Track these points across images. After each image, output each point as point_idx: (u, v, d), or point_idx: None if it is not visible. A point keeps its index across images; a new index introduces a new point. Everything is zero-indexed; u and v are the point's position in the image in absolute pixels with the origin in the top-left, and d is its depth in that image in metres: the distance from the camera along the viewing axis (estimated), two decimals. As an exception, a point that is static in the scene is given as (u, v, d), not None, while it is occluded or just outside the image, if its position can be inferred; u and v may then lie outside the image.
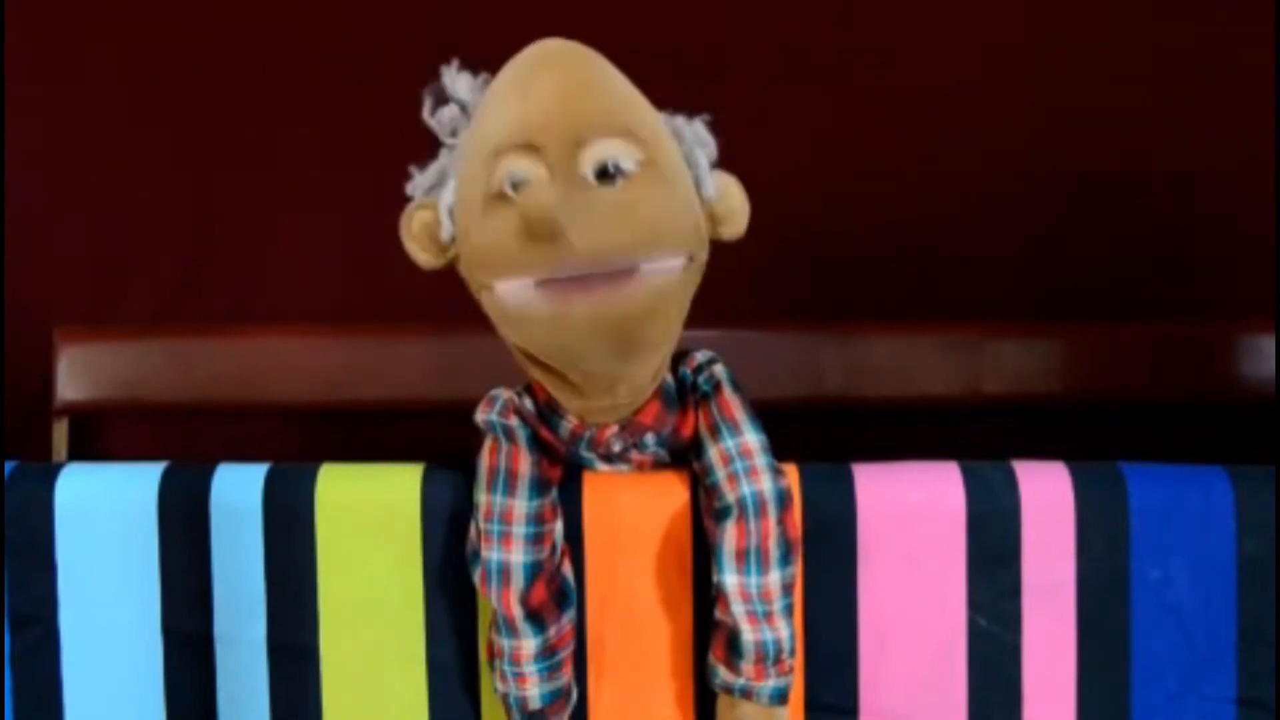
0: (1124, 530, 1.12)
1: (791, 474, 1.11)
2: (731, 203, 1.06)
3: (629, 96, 1.04)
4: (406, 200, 1.08)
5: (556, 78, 1.01)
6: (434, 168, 1.08)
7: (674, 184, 1.02)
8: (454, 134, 1.07)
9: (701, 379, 1.12)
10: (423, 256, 1.06)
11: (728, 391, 1.11)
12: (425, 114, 1.07)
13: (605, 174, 0.98)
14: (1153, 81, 1.77)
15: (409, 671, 1.14)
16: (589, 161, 0.98)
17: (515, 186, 0.98)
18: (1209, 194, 1.78)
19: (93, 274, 1.86)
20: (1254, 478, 1.13)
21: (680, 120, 1.07)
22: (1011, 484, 1.13)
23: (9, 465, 1.17)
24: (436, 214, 1.05)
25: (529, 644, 1.08)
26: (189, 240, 1.85)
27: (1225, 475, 1.13)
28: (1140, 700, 1.13)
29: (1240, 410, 1.75)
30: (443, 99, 1.07)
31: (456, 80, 1.07)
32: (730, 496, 1.06)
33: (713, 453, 1.08)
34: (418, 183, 1.08)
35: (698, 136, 1.06)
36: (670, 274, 1.01)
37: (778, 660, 1.08)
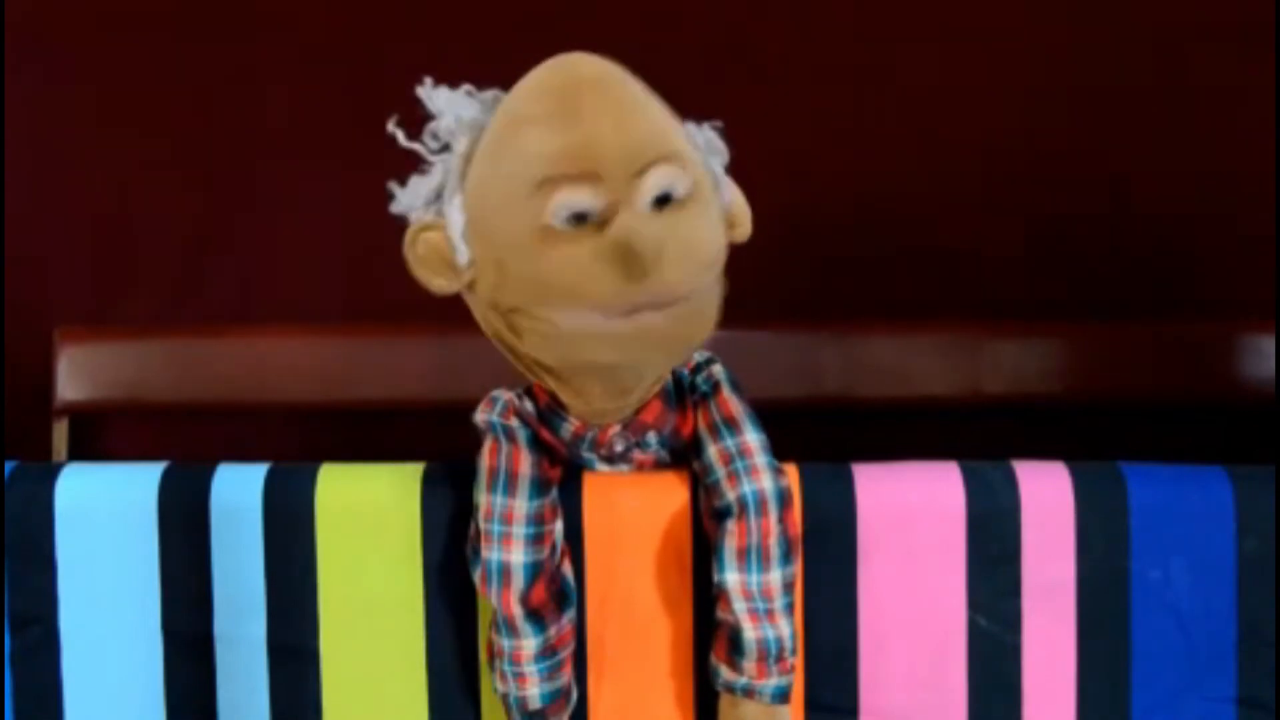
0: (1124, 530, 1.12)
1: (791, 474, 1.11)
2: (740, 207, 1.07)
3: (666, 116, 1.03)
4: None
5: (597, 103, 0.98)
6: (426, 182, 1.04)
7: (712, 203, 1.03)
8: (445, 147, 1.04)
9: (700, 379, 1.12)
10: (437, 282, 1.03)
11: (727, 391, 1.11)
12: (402, 139, 1.03)
13: (658, 201, 0.98)
14: (1153, 81, 1.77)
15: (409, 672, 1.14)
16: (649, 191, 0.97)
17: (574, 218, 0.97)
18: (1209, 194, 1.78)
19: (93, 274, 1.86)
20: (1254, 478, 1.13)
21: (693, 127, 1.06)
22: (1011, 484, 1.13)
23: (9, 465, 1.17)
24: (445, 235, 1.02)
25: (529, 644, 1.08)
26: (189, 240, 1.85)
27: (1225, 475, 1.13)
28: (1140, 700, 1.13)
29: (1240, 410, 1.75)
30: (426, 113, 1.04)
31: (439, 95, 1.04)
32: (730, 495, 1.06)
33: (712, 452, 1.08)
34: (405, 200, 1.04)
35: (711, 144, 1.06)
36: (713, 286, 1.04)
37: (779, 658, 1.08)
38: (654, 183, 0.97)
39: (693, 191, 1.00)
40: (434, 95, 1.04)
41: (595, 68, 1.01)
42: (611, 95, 0.99)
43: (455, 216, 1.02)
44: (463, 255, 1.01)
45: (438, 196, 1.03)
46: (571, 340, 1.00)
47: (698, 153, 1.04)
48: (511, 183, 0.99)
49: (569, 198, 0.96)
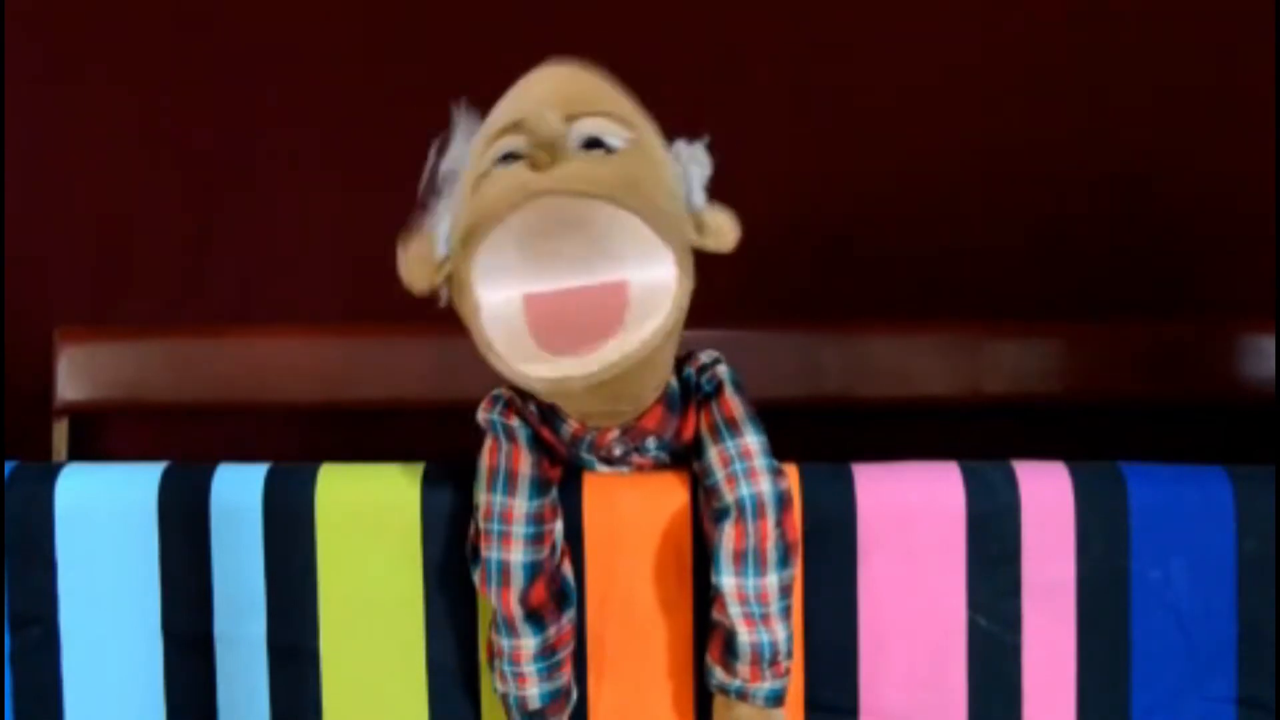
0: (1124, 530, 1.12)
1: (791, 474, 1.11)
2: (719, 219, 1.05)
3: (621, 97, 1.05)
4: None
5: (549, 75, 1.04)
6: (433, 215, 1.06)
7: (660, 167, 1.03)
8: (452, 180, 1.06)
9: (704, 379, 1.12)
10: (420, 283, 1.04)
11: (729, 392, 1.11)
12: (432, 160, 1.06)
13: (592, 146, 0.99)
14: (1153, 81, 1.77)
15: (409, 671, 1.14)
16: (577, 134, 0.99)
17: (504, 160, 0.99)
18: (1209, 194, 1.78)
19: (93, 274, 1.86)
20: (1254, 478, 1.13)
21: (681, 143, 1.07)
22: (1011, 484, 1.13)
23: (9, 465, 1.17)
24: (431, 241, 1.04)
25: (529, 644, 1.08)
26: (189, 240, 1.85)
27: (1225, 475, 1.13)
28: (1140, 700, 1.13)
29: (1240, 410, 1.75)
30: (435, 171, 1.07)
31: (458, 136, 1.07)
32: (729, 498, 1.06)
33: (713, 454, 1.08)
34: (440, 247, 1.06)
35: (694, 155, 1.06)
36: (656, 322, 0.98)
37: (774, 662, 1.08)
38: (584, 128, 0.99)
39: (633, 148, 1.00)
40: (460, 128, 1.07)
41: (562, 63, 1.05)
42: (565, 73, 1.04)
43: (444, 225, 1.04)
44: (442, 246, 1.03)
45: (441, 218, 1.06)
46: (496, 354, 0.99)
47: (661, 143, 1.05)
48: (473, 155, 1.03)
49: (500, 143, 1.00)
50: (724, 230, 1.05)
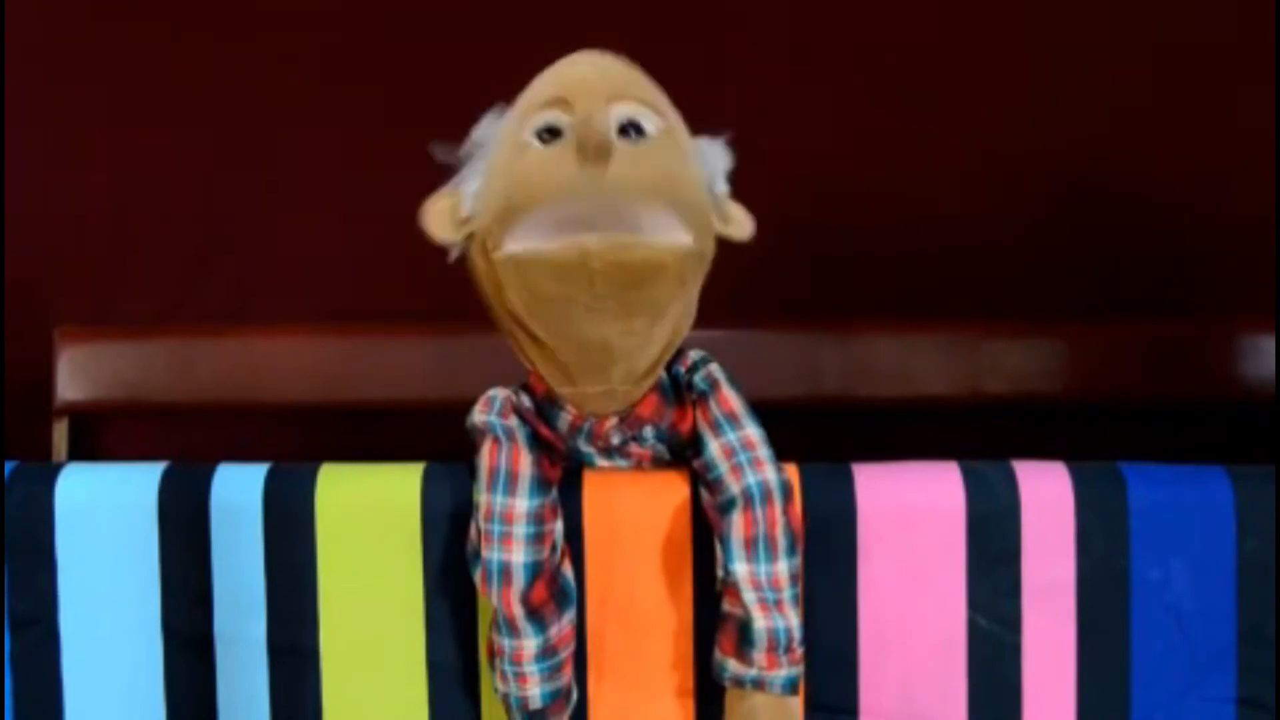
0: (1124, 530, 1.12)
1: (791, 474, 1.11)
2: (739, 211, 1.11)
3: (655, 88, 1.10)
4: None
5: (588, 59, 1.09)
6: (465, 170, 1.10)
7: (688, 156, 1.08)
8: (481, 146, 1.09)
9: (698, 378, 1.13)
10: (440, 233, 1.08)
11: (725, 388, 1.12)
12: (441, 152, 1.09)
13: (626, 133, 1.05)
14: (1153, 82, 1.77)
15: (409, 671, 1.14)
16: (615, 117, 1.04)
17: (543, 136, 1.05)
18: (1209, 194, 1.78)
19: (93, 274, 1.86)
20: (1254, 478, 1.13)
21: (704, 140, 1.11)
22: (1011, 484, 1.13)
23: (9, 465, 1.17)
24: (457, 198, 1.08)
25: (530, 644, 1.08)
26: (189, 240, 1.85)
27: (1225, 475, 1.13)
28: (1140, 700, 1.13)
29: (1240, 410, 1.75)
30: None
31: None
32: (735, 488, 1.06)
33: (715, 447, 1.09)
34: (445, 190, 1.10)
35: (716, 150, 1.11)
36: (678, 242, 1.03)
37: (789, 649, 1.08)
38: (622, 110, 1.05)
39: (665, 136, 1.06)
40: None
41: (599, 53, 1.10)
42: (604, 60, 1.09)
43: (471, 184, 1.08)
44: (467, 207, 1.08)
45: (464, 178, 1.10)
46: (519, 267, 1.02)
47: (695, 147, 1.09)
48: (510, 125, 1.08)
49: (541, 117, 1.06)
50: (744, 220, 1.11)
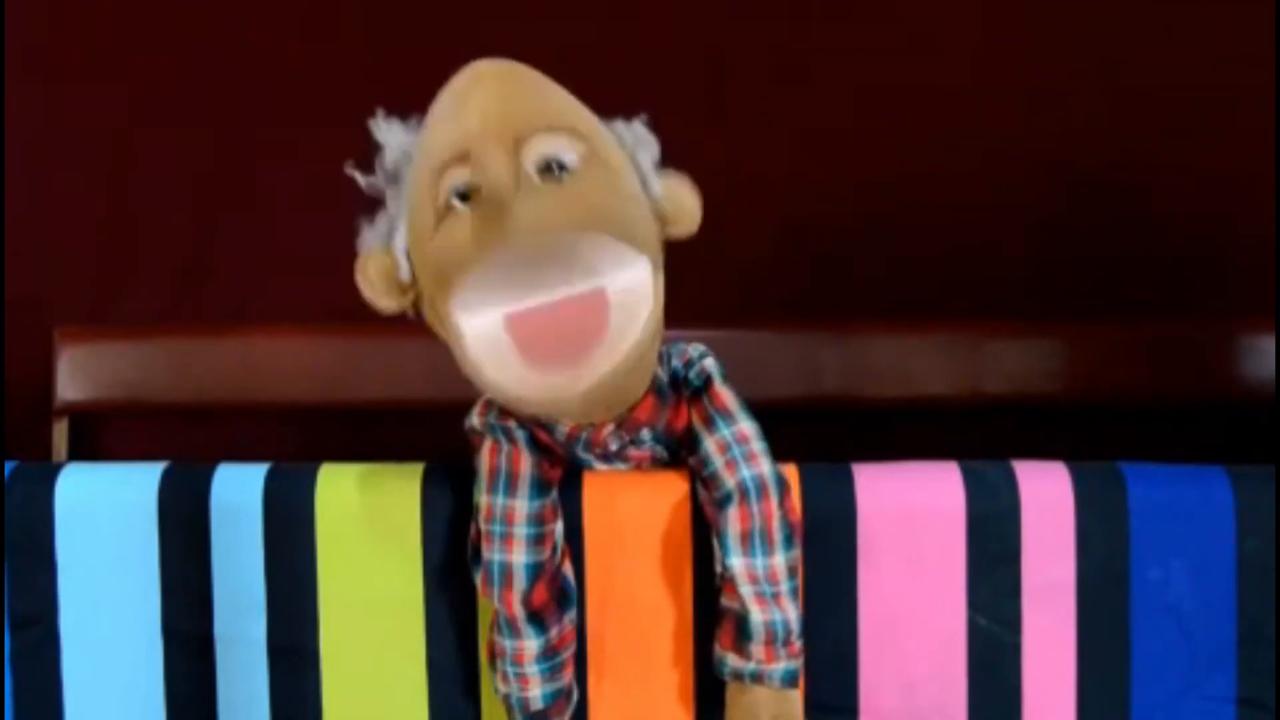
0: (1124, 530, 1.12)
1: (791, 474, 1.11)
2: (682, 202, 1.05)
3: (564, 98, 1.04)
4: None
5: (489, 89, 1.00)
6: (383, 218, 1.06)
7: (618, 175, 1.02)
8: (397, 180, 1.05)
9: (693, 374, 1.12)
10: (383, 301, 1.05)
11: (718, 384, 1.12)
12: (361, 181, 1.06)
13: (548, 170, 0.98)
14: (1153, 82, 1.77)
15: (409, 671, 1.14)
16: (531, 158, 0.98)
17: (461, 197, 0.98)
18: (1209, 194, 1.78)
19: (93, 274, 1.86)
20: (1254, 478, 1.13)
21: (620, 125, 1.06)
22: (1011, 484, 1.13)
23: (9, 465, 1.17)
24: (392, 257, 1.04)
25: (531, 645, 1.08)
26: (189, 240, 1.85)
27: (1225, 475, 1.13)
28: (1140, 700, 1.13)
29: (1240, 410, 1.75)
30: (377, 150, 1.06)
31: (390, 130, 1.06)
32: (730, 482, 1.06)
33: (709, 443, 1.09)
34: (368, 238, 1.06)
35: (639, 138, 1.05)
36: (639, 324, 0.97)
37: (787, 641, 1.08)
38: (536, 149, 0.98)
39: (589, 162, 0.99)
40: (384, 129, 1.06)
41: (495, 65, 1.03)
42: (500, 83, 1.01)
43: (400, 239, 1.04)
44: (405, 271, 1.04)
45: (394, 225, 1.05)
46: (485, 380, 0.98)
47: (613, 139, 1.04)
48: (420, 180, 1.01)
49: (453, 177, 0.99)
50: (685, 211, 1.05)
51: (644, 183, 1.04)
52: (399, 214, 1.04)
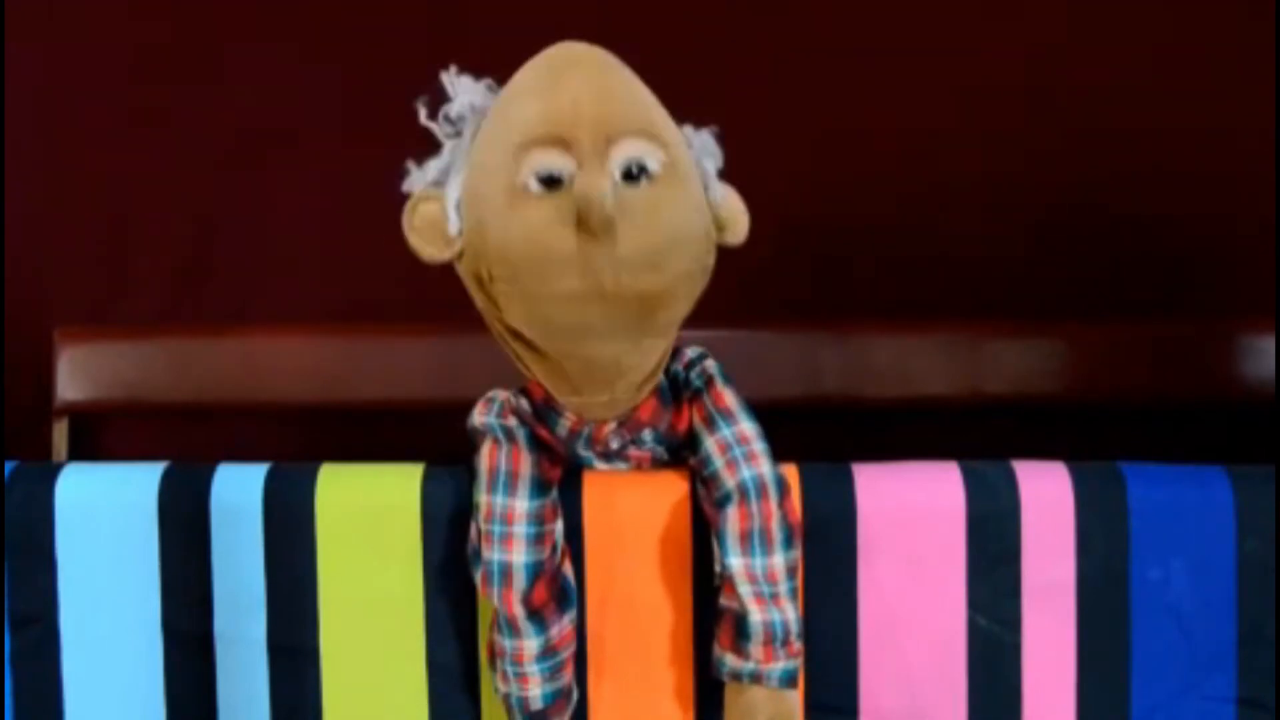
0: (1124, 530, 1.12)
1: (791, 474, 1.11)
2: (734, 210, 1.08)
3: (651, 101, 1.06)
4: (405, 199, 1.08)
5: (583, 76, 1.02)
6: (436, 163, 1.07)
7: (690, 187, 1.05)
8: (458, 133, 1.07)
9: (694, 374, 1.13)
10: (428, 250, 1.05)
11: (719, 385, 1.12)
12: (423, 117, 1.07)
13: (629, 174, 1.00)
14: (1152, 82, 1.77)
15: (409, 671, 1.14)
16: (618, 159, 1.00)
17: (544, 181, 1.00)
18: (1209, 194, 1.78)
19: (93, 274, 1.86)
20: (1254, 478, 1.13)
21: (690, 130, 1.08)
22: (1011, 484, 1.13)
23: (9, 465, 1.17)
24: (442, 206, 1.05)
25: (531, 644, 1.08)
26: (189, 240, 1.85)
27: (1225, 475, 1.13)
28: (1140, 700, 1.13)
29: (1240, 410, 1.75)
30: (444, 99, 1.07)
31: (460, 82, 1.07)
32: (730, 483, 1.07)
33: (710, 443, 1.09)
34: (417, 177, 1.07)
35: (705, 146, 1.08)
36: (687, 271, 1.03)
37: (786, 641, 1.08)
38: (624, 151, 1.00)
39: (668, 171, 1.02)
40: (454, 81, 1.07)
41: (588, 50, 1.05)
42: (597, 72, 1.03)
43: (454, 190, 1.05)
44: (454, 225, 1.04)
45: (444, 175, 1.06)
46: (529, 298, 1.02)
47: (686, 147, 1.06)
48: (497, 147, 1.02)
49: (540, 159, 1.00)
50: (737, 221, 1.08)
51: (706, 189, 1.07)
52: (455, 165, 1.05)
